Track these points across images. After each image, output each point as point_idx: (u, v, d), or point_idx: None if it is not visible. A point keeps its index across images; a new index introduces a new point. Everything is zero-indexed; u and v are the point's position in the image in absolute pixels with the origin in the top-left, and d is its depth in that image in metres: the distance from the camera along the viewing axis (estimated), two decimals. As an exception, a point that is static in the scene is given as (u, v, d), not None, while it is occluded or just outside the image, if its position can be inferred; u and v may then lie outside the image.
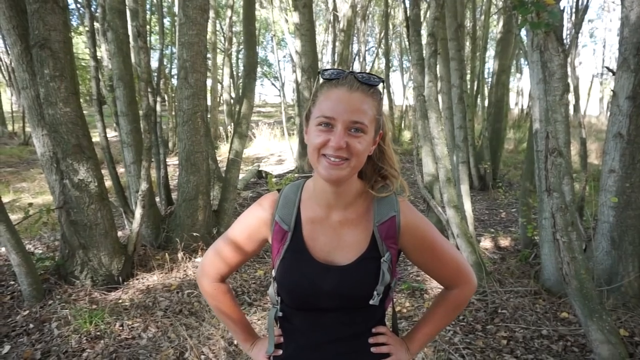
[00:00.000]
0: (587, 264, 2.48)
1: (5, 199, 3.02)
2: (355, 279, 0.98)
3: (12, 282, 3.34)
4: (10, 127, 13.65)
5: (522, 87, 19.77)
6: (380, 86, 0.95)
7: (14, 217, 3.11)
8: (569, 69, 2.79)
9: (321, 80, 0.95)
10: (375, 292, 0.97)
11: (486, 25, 9.14)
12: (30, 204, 3.81)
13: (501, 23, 8.30)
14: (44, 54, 3.02)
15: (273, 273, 1.05)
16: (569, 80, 2.64)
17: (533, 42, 2.73)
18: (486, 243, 4.56)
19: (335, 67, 10.58)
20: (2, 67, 14.67)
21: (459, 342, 2.69)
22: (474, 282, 1.09)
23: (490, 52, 11.57)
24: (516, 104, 19.91)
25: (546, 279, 3.33)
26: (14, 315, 2.95)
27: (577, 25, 4.15)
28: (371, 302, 0.97)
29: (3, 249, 3.51)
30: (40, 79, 3.08)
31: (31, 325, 2.82)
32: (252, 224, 1.06)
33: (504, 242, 4.60)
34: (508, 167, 8.79)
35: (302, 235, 1.01)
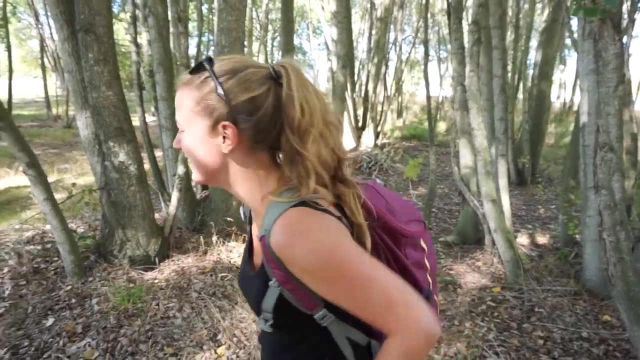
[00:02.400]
0: (635, 266, 2.35)
1: (50, 179, 3.15)
2: (246, 291, 0.92)
3: (56, 259, 3.48)
4: (54, 111, 14.22)
5: (565, 79, 18.97)
6: (203, 70, 0.78)
7: (58, 196, 3.23)
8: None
9: None
10: (260, 317, 0.83)
11: (531, 14, 8.78)
12: (74, 184, 3.95)
13: (546, 12, 7.94)
14: (89, 38, 3.10)
15: None
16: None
17: (585, 31, 2.59)
18: (523, 239, 4.43)
19: (369, 55, 10.45)
20: (48, 53, 15.23)
21: (494, 339, 2.63)
22: (416, 332, 0.70)
23: (533, 42, 11.13)
24: (558, 97, 19.13)
25: (587, 280, 3.20)
26: (57, 290, 3.09)
27: (632, 13, 3.91)
28: (260, 326, 0.84)
29: (48, 226, 3.67)
30: (84, 62, 3.17)
31: (73, 300, 2.94)
32: None
33: (542, 239, 4.45)
34: (548, 162, 8.48)
35: (250, 228, 0.94)
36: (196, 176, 0.84)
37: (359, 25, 14.02)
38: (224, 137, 0.77)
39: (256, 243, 0.88)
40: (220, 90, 0.75)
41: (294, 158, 0.76)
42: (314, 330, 0.82)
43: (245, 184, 0.82)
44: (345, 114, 8.76)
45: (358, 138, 9.51)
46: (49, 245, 3.72)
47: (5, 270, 3.30)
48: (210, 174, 0.82)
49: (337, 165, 0.81)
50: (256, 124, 0.77)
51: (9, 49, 11.03)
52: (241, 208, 1.00)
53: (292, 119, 0.75)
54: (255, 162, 0.81)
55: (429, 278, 0.94)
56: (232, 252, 3.83)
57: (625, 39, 2.36)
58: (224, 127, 0.76)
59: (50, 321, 2.69)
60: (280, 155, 0.81)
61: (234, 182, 0.83)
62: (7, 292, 3.01)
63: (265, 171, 0.82)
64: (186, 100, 0.79)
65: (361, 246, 0.76)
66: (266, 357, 0.96)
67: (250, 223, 0.95)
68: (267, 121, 0.77)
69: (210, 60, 0.78)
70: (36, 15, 13.92)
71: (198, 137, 0.79)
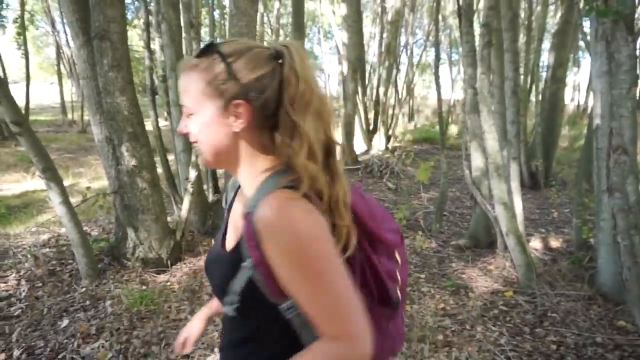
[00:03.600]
0: (651, 270, 2.32)
1: (65, 183, 3.21)
2: (212, 272, 0.91)
3: (71, 261, 3.54)
4: (70, 116, 14.48)
5: (579, 81, 18.73)
6: (211, 52, 0.79)
7: (72, 200, 3.30)
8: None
9: None
10: (226, 299, 0.82)
11: (543, 16, 8.70)
12: (88, 188, 4.03)
13: (559, 14, 7.87)
14: (104, 44, 3.16)
15: None
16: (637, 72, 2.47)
17: (597, 32, 2.57)
18: (536, 243, 4.37)
19: (380, 59, 10.44)
20: (64, 60, 15.53)
21: (505, 344, 2.60)
22: (353, 347, 0.74)
23: (546, 44, 11.03)
24: (572, 99, 18.89)
25: (602, 284, 3.15)
26: (72, 292, 3.14)
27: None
28: (224, 309, 0.85)
29: (64, 229, 3.74)
30: (99, 69, 3.23)
31: (87, 302, 2.98)
32: None
33: (556, 243, 4.40)
34: (562, 165, 8.38)
35: (229, 215, 0.96)
36: (205, 158, 0.85)
37: (370, 28, 14.03)
38: (235, 116, 0.79)
39: (234, 224, 0.88)
40: (230, 70, 0.77)
41: (291, 132, 0.77)
42: (275, 322, 0.82)
43: (249, 164, 0.84)
44: (357, 117, 8.77)
45: (369, 141, 9.50)
46: (64, 248, 3.79)
47: (22, 272, 3.37)
48: (220, 154, 0.83)
49: (330, 152, 0.81)
50: (265, 102, 0.79)
51: (26, 56, 11.27)
52: (224, 196, 1.05)
53: (293, 93, 0.77)
54: (258, 142, 0.83)
55: (399, 292, 0.93)
56: (243, 255, 3.85)
57: (638, 41, 2.33)
58: (236, 105, 0.78)
59: (65, 322, 2.74)
60: (277, 136, 0.81)
61: (240, 161, 0.84)
62: (23, 294, 3.08)
63: (265, 152, 0.83)
64: (195, 83, 0.79)
65: (339, 247, 0.76)
66: (225, 347, 0.97)
67: (230, 207, 0.96)
68: (272, 99, 0.79)
69: (213, 44, 0.80)
70: (52, 23, 14.22)
71: (208, 118, 0.80)
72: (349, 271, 0.77)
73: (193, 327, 1.17)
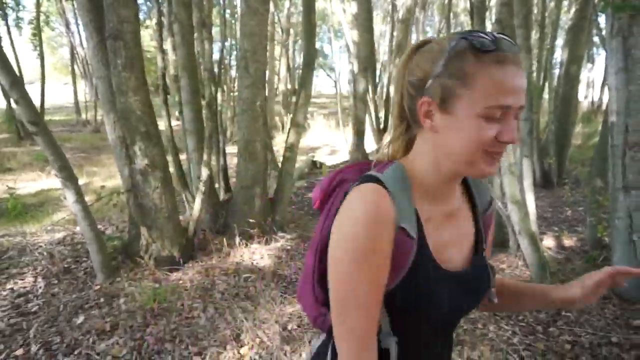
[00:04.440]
0: (668, 269, 2.28)
1: (79, 182, 3.25)
2: (477, 286, 0.83)
3: (85, 259, 3.60)
4: (83, 116, 14.68)
5: (593, 78, 18.43)
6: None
7: (86, 198, 3.34)
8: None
9: (462, 49, 0.69)
10: (491, 292, 0.83)
11: (557, 12, 8.58)
12: (102, 187, 4.08)
13: (573, 9, 7.76)
14: (117, 44, 3.20)
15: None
16: (654, 68, 2.43)
17: (613, 28, 2.53)
18: (549, 242, 4.32)
19: (391, 57, 10.40)
20: (78, 60, 15.72)
21: (518, 343, 2.58)
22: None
23: (559, 41, 10.88)
24: (586, 96, 18.60)
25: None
26: (87, 289, 3.19)
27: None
28: (495, 300, 0.83)
29: (78, 227, 3.79)
30: (113, 68, 3.27)
31: (102, 300, 3.03)
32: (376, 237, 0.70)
33: (569, 242, 4.34)
34: (575, 163, 8.26)
35: (425, 242, 0.75)
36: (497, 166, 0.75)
37: (380, 27, 13.99)
38: None
39: (452, 239, 0.81)
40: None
41: None
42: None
43: None
44: (367, 116, 8.74)
45: (379, 140, 9.47)
46: (79, 246, 3.85)
47: (39, 269, 3.43)
48: None
49: None
50: None
51: (41, 56, 11.44)
52: (391, 225, 0.71)
53: None
54: None
55: None
56: (255, 254, 3.88)
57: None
58: None
59: (80, 319, 2.78)
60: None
61: None
62: (40, 291, 3.13)
63: None
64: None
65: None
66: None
67: (422, 236, 0.76)
68: None
69: None
70: (67, 24, 14.40)
71: None
72: None
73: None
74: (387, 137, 0.87)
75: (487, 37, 0.68)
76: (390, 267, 0.71)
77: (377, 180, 0.72)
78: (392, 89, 9.94)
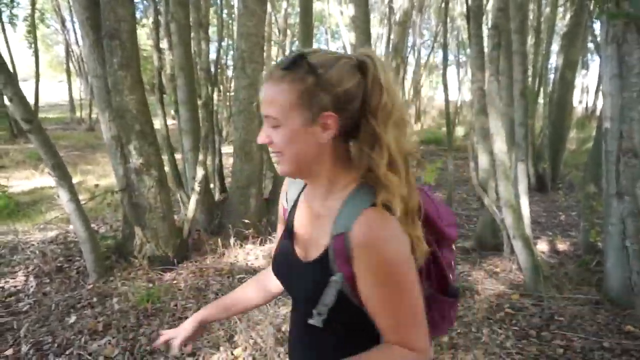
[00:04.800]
0: (660, 275, 2.30)
1: (73, 181, 3.23)
2: (292, 281, 0.93)
3: (78, 258, 3.57)
4: (78, 114, 14.59)
5: (587, 84, 18.58)
6: (303, 63, 0.78)
7: (80, 197, 3.32)
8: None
9: None
10: (314, 311, 0.82)
11: (552, 18, 8.64)
12: (96, 186, 4.06)
13: (568, 16, 7.81)
14: (114, 43, 3.19)
15: None
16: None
17: (608, 35, 2.55)
18: (543, 246, 4.35)
19: (390, 59, 10.42)
20: (73, 58, 15.65)
21: (511, 347, 2.59)
22: (424, 355, 0.82)
23: (555, 46, 10.96)
24: (580, 102, 18.75)
25: (610, 288, 3.13)
26: (80, 288, 3.17)
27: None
28: (309, 320, 0.83)
29: (72, 226, 3.77)
30: (109, 67, 3.25)
31: (94, 299, 3.01)
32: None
33: (563, 246, 4.37)
34: (569, 168, 8.32)
35: (293, 219, 0.95)
36: (285, 169, 0.84)
37: (378, 29, 14.03)
38: (322, 127, 0.80)
39: (306, 232, 0.91)
40: (321, 82, 0.77)
41: (372, 142, 0.79)
42: (363, 328, 0.85)
43: (330, 174, 0.85)
44: (363, 118, 8.77)
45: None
46: (72, 245, 3.82)
47: (30, 268, 3.40)
48: (302, 165, 0.84)
49: (407, 163, 0.83)
50: (350, 114, 0.80)
51: (36, 54, 11.37)
52: (284, 194, 1.02)
53: (376, 103, 0.79)
54: (339, 153, 0.85)
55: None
56: (249, 255, 3.86)
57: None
58: (326, 117, 0.79)
59: (72, 319, 2.76)
60: (353, 146, 0.85)
61: (321, 172, 0.85)
62: (31, 290, 3.11)
63: (343, 163, 0.85)
64: (284, 94, 0.78)
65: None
66: (310, 357, 0.96)
67: (293, 210, 0.97)
68: (357, 110, 0.80)
69: (302, 55, 0.79)
70: (62, 22, 14.33)
71: (296, 129, 0.80)
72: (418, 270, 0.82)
73: (184, 329, 1.14)
74: None
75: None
76: None
77: None
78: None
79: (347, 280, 0.79)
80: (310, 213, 0.91)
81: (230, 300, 1.18)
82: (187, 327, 1.13)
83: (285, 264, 0.95)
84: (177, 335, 1.13)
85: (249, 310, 1.20)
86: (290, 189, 1.00)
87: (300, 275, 0.89)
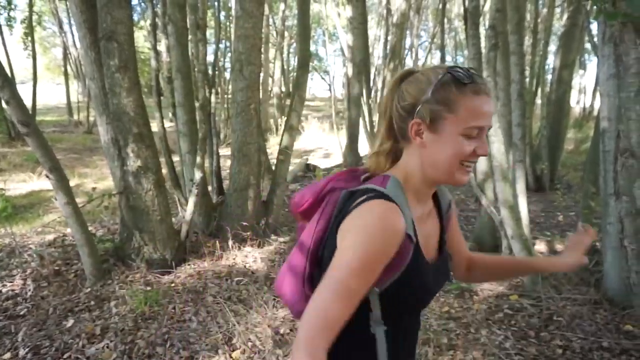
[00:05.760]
0: (658, 275, 2.30)
1: (70, 183, 3.22)
2: (446, 271, 1.01)
3: (76, 261, 3.56)
4: (76, 116, 14.56)
5: (585, 84, 18.63)
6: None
7: (78, 200, 3.31)
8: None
9: (447, 81, 0.85)
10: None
11: (549, 19, 8.66)
12: (94, 189, 4.05)
13: (565, 16, 7.83)
14: (111, 46, 3.18)
15: (376, 288, 0.86)
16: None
17: (605, 35, 2.56)
18: (541, 247, 4.35)
19: (385, 61, 10.44)
20: (71, 60, 15.62)
21: (510, 348, 2.59)
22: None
23: (552, 47, 10.99)
24: (577, 102, 18.79)
25: (608, 288, 3.12)
26: (77, 292, 3.15)
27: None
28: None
29: (69, 229, 3.75)
30: (106, 70, 3.25)
31: (92, 303, 2.99)
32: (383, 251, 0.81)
33: (561, 246, 4.37)
34: (567, 168, 8.34)
35: (417, 239, 0.89)
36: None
37: (375, 31, 14.06)
38: None
39: (431, 236, 0.98)
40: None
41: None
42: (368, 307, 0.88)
43: None
44: (361, 119, 8.76)
45: (373, 143, 9.48)
46: (69, 248, 3.80)
47: (28, 272, 3.38)
48: None
49: None
50: None
51: (33, 56, 11.34)
52: (403, 229, 0.83)
53: None
54: None
55: None
56: (247, 257, 3.85)
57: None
58: None
59: (70, 322, 2.75)
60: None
61: None
62: (29, 294, 3.09)
63: None
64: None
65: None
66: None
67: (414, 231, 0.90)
68: None
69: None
70: (60, 24, 14.30)
71: None
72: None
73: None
74: (371, 149, 1.03)
75: (464, 72, 0.85)
76: (390, 266, 0.82)
77: (384, 196, 0.85)
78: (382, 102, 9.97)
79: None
80: (429, 218, 0.98)
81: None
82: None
83: (439, 278, 0.98)
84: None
85: None
86: (407, 225, 0.84)
87: (447, 273, 1.01)
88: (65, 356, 2.44)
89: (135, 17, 10.48)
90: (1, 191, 5.33)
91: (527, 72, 7.59)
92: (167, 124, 5.35)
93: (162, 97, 4.81)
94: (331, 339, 0.75)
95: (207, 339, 2.62)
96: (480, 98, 0.84)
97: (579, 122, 14.36)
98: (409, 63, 12.46)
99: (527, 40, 8.52)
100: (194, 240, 4.06)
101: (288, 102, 5.21)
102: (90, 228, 3.98)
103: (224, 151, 8.35)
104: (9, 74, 3.03)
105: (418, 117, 0.87)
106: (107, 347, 2.51)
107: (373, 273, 0.80)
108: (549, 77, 8.10)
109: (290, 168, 7.33)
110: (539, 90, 8.26)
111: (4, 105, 2.84)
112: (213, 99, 5.06)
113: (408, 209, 0.87)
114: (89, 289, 3.16)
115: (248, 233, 4.11)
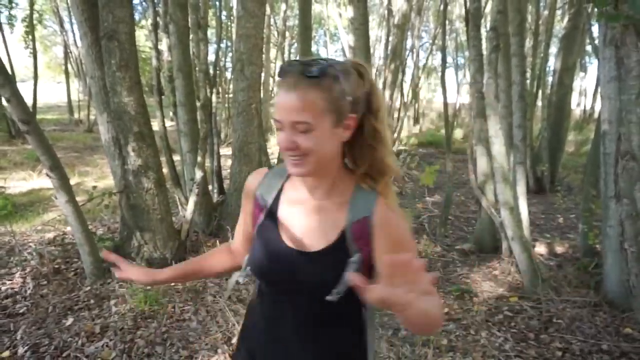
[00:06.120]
0: (658, 277, 2.30)
1: (71, 182, 3.22)
2: (306, 274, 0.98)
3: (76, 260, 3.55)
4: (76, 115, 14.57)
5: (585, 86, 18.65)
6: (331, 72, 0.88)
7: (78, 199, 3.30)
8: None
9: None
10: (334, 290, 0.93)
11: (551, 21, 8.66)
12: (94, 187, 4.04)
13: (566, 18, 7.83)
14: (112, 44, 3.18)
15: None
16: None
17: (606, 37, 2.56)
18: (541, 248, 4.35)
19: (386, 62, 10.43)
20: (71, 59, 15.62)
21: (510, 350, 2.59)
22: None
23: (553, 49, 10.98)
24: (578, 104, 18.80)
25: (608, 291, 3.12)
26: (77, 290, 3.15)
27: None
28: (328, 297, 0.93)
29: (69, 228, 3.75)
30: (107, 68, 3.24)
31: (92, 301, 2.99)
32: (243, 195, 1.12)
33: (561, 248, 4.37)
34: (568, 170, 8.34)
35: (276, 215, 1.03)
36: (307, 170, 0.92)
37: (376, 32, 14.05)
38: (344, 128, 0.92)
39: (303, 225, 1.00)
40: (345, 88, 0.89)
41: (376, 138, 0.94)
42: (361, 304, 0.99)
43: (335, 173, 0.98)
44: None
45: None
46: (69, 247, 3.80)
47: (28, 270, 3.38)
48: (322, 164, 0.93)
49: None
50: (360, 115, 0.94)
51: (34, 55, 11.34)
52: (252, 193, 1.08)
53: (376, 106, 0.94)
54: (340, 152, 0.98)
55: None
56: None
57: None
58: (350, 118, 0.91)
59: (69, 321, 2.74)
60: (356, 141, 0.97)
61: (330, 170, 0.97)
62: (29, 292, 3.09)
63: (342, 162, 0.99)
64: (317, 101, 0.87)
65: None
66: (311, 339, 1.03)
67: (275, 208, 1.04)
68: (363, 112, 0.94)
69: (329, 65, 0.88)
70: (61, 23, 14.30)
71: (326, 131, 0.89)
72: None
73: (138, 273, 1.20)
74: None
75: (282, 67, 0.91)
76: (252, 220, 1.08)
77: (269, 168, 1.10)
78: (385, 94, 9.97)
79: (364, 257, 0.94)
80: (309, 208, 1.00)
81: (191, 269, 1.32)
82: (142, 274, 1.20)
83: (282, 260, 1.01)
84: (127, 270, 1.17)
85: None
86: (262, 188, 1.06)
87: (307, 266, 0.98)
88: (64, 354, 2.43)
89: (137, 16, 10.50)
90: (1, 189, 5.34)
91: (528, 74, 7.59)
92: (168, 123, 5.35)
93: (163, 96, 4.80)
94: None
95: (207, 339, 2.62)
96: (279, 93, 0.89)
97: (579, 124, 14.37)
98: (410, 64, 12.45)
99: (528, 42, 8.52)
100: (194, 239, 4.06)
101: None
102: (90, 227, 3.97)
103: (225, 151, 8.35)
104: (10, 72, 3.03)
105: None
106: (107, 345, 2.51)
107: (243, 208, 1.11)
108: (550, 79, 8.11)
109: (291, 168, 7.34)
110: (540, 92, 8.26)
111: (4, 103, 2.84)
112: (214, 98, 5.06)
113: (280, 185, 1.04)
114: (88, 288, 3.16)
115: (248, 233, 4.11)
